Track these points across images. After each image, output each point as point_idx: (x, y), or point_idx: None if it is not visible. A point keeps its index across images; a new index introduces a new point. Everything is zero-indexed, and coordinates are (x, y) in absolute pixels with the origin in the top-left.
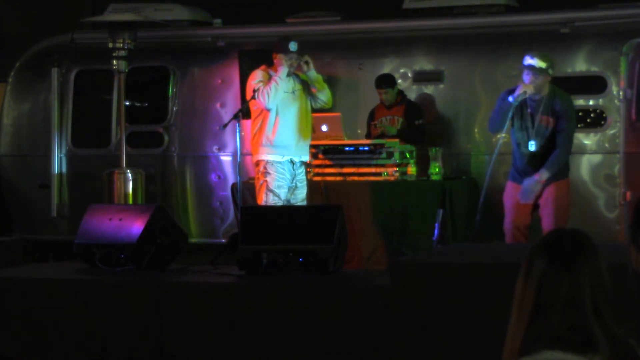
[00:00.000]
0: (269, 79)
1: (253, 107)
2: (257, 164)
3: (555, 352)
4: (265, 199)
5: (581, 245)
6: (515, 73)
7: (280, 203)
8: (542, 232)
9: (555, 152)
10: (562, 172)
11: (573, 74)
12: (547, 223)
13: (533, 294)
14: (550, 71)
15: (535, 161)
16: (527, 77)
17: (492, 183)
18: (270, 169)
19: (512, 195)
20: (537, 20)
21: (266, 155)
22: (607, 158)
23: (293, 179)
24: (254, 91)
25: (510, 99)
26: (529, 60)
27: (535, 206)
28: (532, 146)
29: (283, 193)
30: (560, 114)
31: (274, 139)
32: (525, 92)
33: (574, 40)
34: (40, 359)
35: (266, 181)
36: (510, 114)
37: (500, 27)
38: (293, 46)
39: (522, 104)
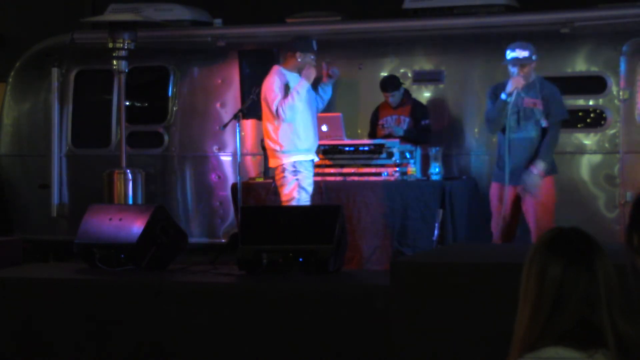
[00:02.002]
0: (285, 88)
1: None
2: (283, 167)
3: (559, 348)
4: (298, 196)
5: (594, 244)
6: None
7: (308, 200)
8: (530, 230)
9: (544, 141)
10: (547, 169)
11: (573, 74)
12: (531, 220)
13: (550, 295)
14: (533, 57)
15: (524, 146)
16: (514, 69)
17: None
18: (300, 167)
19: (497, 195)
20: (537, 20)
21: (295, 157)
22: (607, 158)
23: None
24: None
25: (504, 96)
26: (511, 54)
27: (520, 208)
28: (522, 132)
29: (311, 190)
30: (548, 100)
31: (303, 142)
32: (517, 89)
33: (574, 40)
34: (40, 359)
35: (298, 179)
36: (503, 110)
37: (500, 27)
38: (315, 45)
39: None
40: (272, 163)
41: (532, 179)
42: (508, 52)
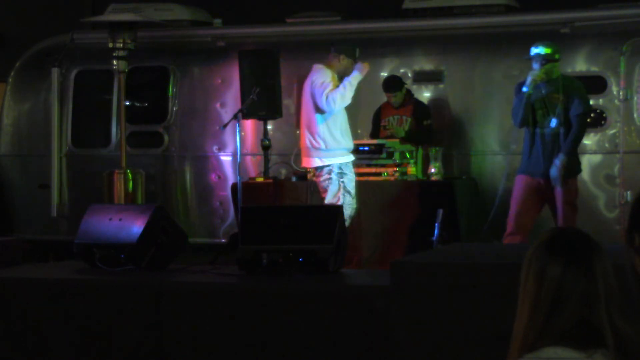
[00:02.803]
0: (334, 80)
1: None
2: (329, 168)
3: (558, 348)
4: (343, 200)
5: (593, 244)
6: (516, 73)
7: (352, 203)
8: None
9: (569, 136)
10: (571, 171)
11: (573, 74)
12: (559, 220)
13: (549, 295)
14: (556, 56)
15: (553, 140)
16: (535, 65)
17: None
18: (345, 170)
19: (522, 187)
20: (537, 20)
21: (341, 158)
22: (607, 158)
23: None
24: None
25: (524, 88)
26: (534, 50)
27: (543, 203)
28: (553, 123)
29: (354, 192)
30: (573, 96)
31: (348, 142)
32: (535, 80)
33: (574, 40)
34: (40, 359)
35: (343, 182)
36: (524, 102)
37: (500, 27)
38: (359, 53)
39: (536, 89)
40: (312, 162)
41: (554, 171)
42: (532, 48)
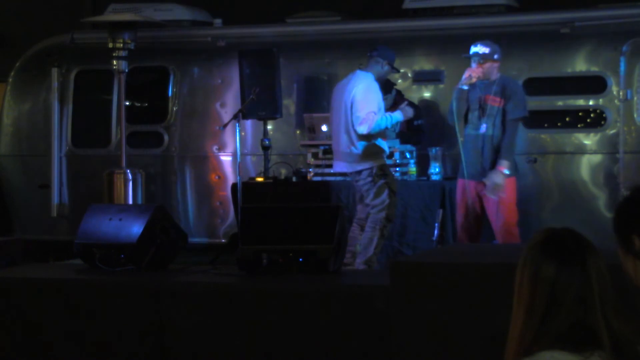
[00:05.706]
0: (378, 97)
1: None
2: (372, 170)
3: (554, 352)
4: (389, 200)
5: (586, 244)
6: (515, 73)
7: (397, 203)
8: (493, 229)
9: (503, 141)
10: (510, 168)
11: (573, 74)
12: (493, 219)
13: (544, 296)
14: (495, 56)
15: (482, 142)
16: (473, 64)
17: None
18: (387, 171)
19: (458, 191)
20: (537, 20)
21: (381, 160)
22: (607, 158)
23: None
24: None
25: (459, 85)
26: (472, 49)
27: (482, 203)
28: (483, 128)
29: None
30: (509, 98)
31: (385, 143)
32: (470, 77)
33: (574, 40)
34: (40, 359)
35: (387, 182)
36: (455, 98)
37: (500, 27)
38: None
39: (473, 90)
40: (350, 167)
41: (496, 178)
42: (471, 47)
